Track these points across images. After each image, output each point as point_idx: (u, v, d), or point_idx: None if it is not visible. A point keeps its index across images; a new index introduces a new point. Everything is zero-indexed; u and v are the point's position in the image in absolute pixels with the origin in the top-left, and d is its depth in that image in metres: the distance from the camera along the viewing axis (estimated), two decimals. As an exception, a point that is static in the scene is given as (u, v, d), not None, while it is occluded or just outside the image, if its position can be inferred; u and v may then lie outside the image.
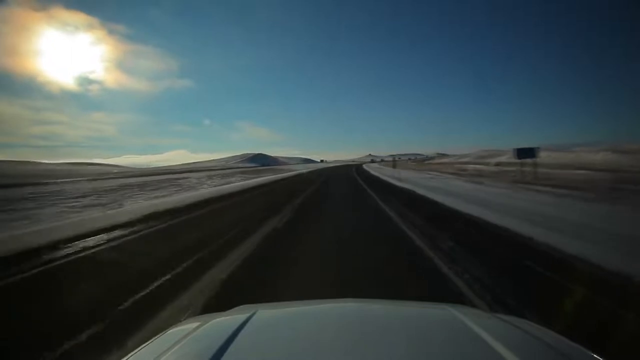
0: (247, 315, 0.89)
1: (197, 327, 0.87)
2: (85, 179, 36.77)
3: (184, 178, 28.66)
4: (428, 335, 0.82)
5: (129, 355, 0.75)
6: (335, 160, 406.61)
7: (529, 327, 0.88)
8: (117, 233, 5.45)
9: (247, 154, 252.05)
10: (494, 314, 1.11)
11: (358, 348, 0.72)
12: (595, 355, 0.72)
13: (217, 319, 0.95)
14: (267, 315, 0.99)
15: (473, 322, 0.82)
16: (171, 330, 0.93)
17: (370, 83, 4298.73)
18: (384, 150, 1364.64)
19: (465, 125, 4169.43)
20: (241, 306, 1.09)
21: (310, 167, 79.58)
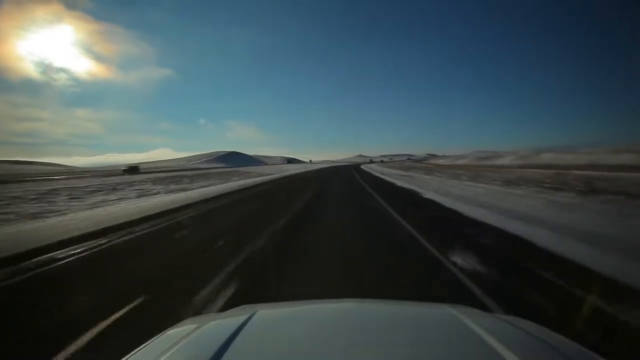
0: (247, 315, 0.94)
1: (197, 328, 0.91)
2: None
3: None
4: (428, 335, 0.85)
5: (129, 355, 0.78)
6: (324, 161, 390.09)
7: (529, 327, 0.92)
8: None
9: (218, 152, 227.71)
10: (494, 314, 1.17)
11: (358, 348, 0.75)
12: (595, 355, 0.75)
13: (217, 320, 1.01)
14: (267, 315, 1.03)
15: (473, 322, 0.86)
16: (171, 331, 0.96)
17: (360, 84, 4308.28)
18: (374, 150, 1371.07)
19: (456, 126, 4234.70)
20: (241, 306, 1.14)
21: (291, 168, 64.64)
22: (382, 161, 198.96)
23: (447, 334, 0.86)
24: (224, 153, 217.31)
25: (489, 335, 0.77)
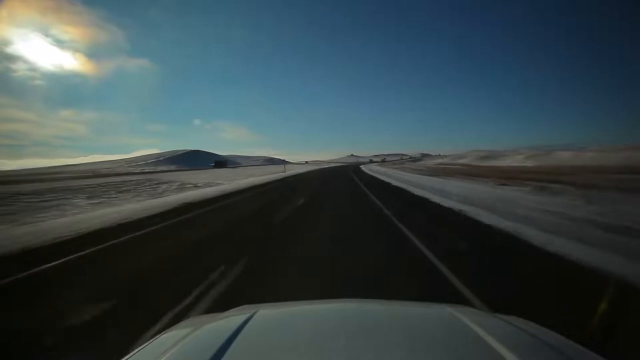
0: (248, 315, 0.96)
1: (198, 327, 0.94)
2: None
3: None
4: (428, 336, 0.88)
5: (128, 356, 0.81)
6: (316, 161, 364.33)
7: (529, 327, 0.95)
8: None
9: (177, 151, 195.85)
10: (494, 314, 1.19)
11: (358, 348, 0.77)
12: (595, 355, 0.78)
13: (217, 320, 1.03)
14: (267, 315, 1.06)
15: (473, 322, 0.88)
16: (172, 331, 1.00)
17: (352, 83, 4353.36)
18: (366, 150, 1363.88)
19: (449, 126, 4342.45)
20: (241, 306, 1.17)
21: (224, 178, 42.53)
22: (383, 160, 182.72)
23: (447, 334, 0.87)
24: (183, 152, 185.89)
25: (489, 335, 0.78)
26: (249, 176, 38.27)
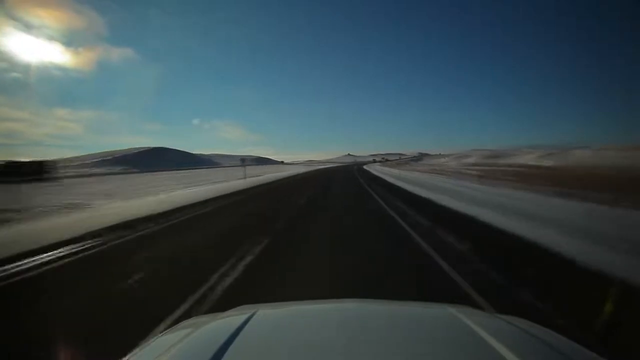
0: (247, 315, 0.97)
1: (198, 328, 0.96)
2: None
3: None
4: (428, 335, 0.89)
5: (129, 355, 0.82)
6: (310, 161, 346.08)
7: (529, 327, 0.96)
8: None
9: (133, 149, 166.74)
10: (494, 314, 1.21)
11: (359, 348, 0.79)
12: (595, 355, 0.79)
13: (217, 320, 1.04)
14: (267, 315, 1.07)
15: (473, 322, 0.90)
16: (172, 331, 1.02)
17: (349, 81, 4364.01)
18: (363, 149, 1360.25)
19: (447, 125, 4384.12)
20: (241, 306, 1.18)
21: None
22: (385, 160, 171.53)
23: (447, 334, 0.89)
24: (143, 150, 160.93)
25: (489, 335, 0.80)
26: (187, 184, 21.73)
